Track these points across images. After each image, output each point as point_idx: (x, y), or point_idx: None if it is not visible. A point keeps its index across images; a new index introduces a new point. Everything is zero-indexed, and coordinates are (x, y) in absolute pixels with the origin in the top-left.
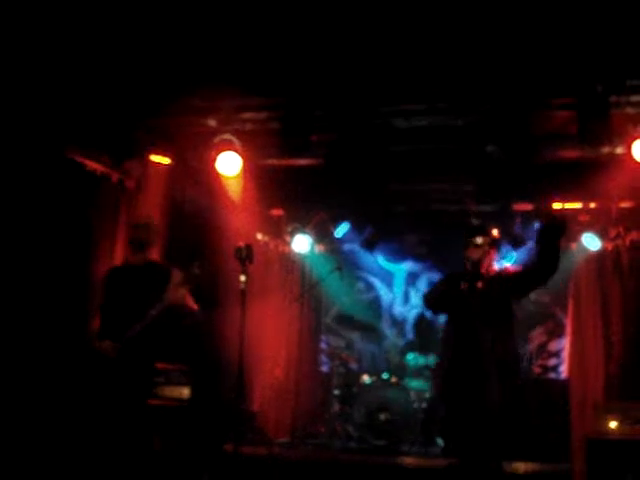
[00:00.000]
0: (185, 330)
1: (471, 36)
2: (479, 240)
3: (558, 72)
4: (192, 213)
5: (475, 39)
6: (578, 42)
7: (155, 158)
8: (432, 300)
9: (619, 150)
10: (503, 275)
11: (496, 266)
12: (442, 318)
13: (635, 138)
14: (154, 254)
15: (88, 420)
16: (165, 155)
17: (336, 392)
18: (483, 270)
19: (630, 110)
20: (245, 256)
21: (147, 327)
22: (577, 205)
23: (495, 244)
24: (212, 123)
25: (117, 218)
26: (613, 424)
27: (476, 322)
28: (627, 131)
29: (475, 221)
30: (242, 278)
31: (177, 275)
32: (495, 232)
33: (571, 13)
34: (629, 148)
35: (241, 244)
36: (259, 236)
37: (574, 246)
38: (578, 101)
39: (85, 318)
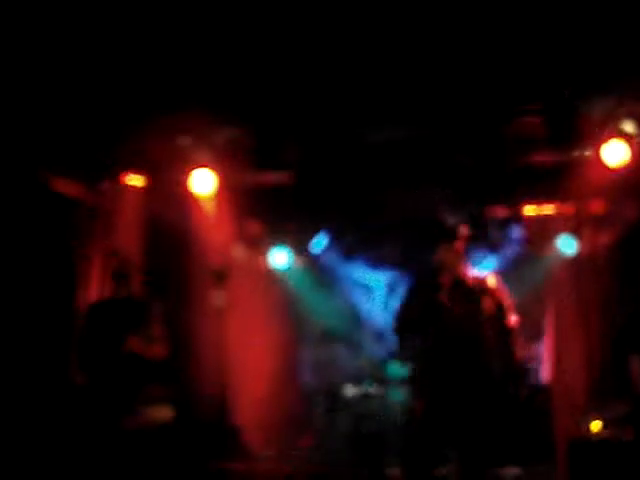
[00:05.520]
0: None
1: (438, 46)
2: (452, 242)
3: (525, 78)
4: (169, 233)
5: (442, 49)
6: (543, 48)
7: (129, 179)
8: (404, 323)
9: (588, 153)
10: (491, 294)
11: (472, 270)
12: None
13: (602, 142)
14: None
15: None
16: (139, 175)
17: (320, 404)
18: (459, 275)
19: (597, 113)
20: (221, 276)
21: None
22: (551, 208)
23: (468, 245)
24: (185, 142)
25: (92, 242)
26: (595, 426)
27: (457, 331)
28: (594, 134)
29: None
30: (219, 298)
31: (156, 310)
32: (466, 232)
33: (535, 20)
34: (597, 151)
35: (218, 263)
36: (237, 252)
37: (550, 250)
38: (546, 106)
39: (64, 349)
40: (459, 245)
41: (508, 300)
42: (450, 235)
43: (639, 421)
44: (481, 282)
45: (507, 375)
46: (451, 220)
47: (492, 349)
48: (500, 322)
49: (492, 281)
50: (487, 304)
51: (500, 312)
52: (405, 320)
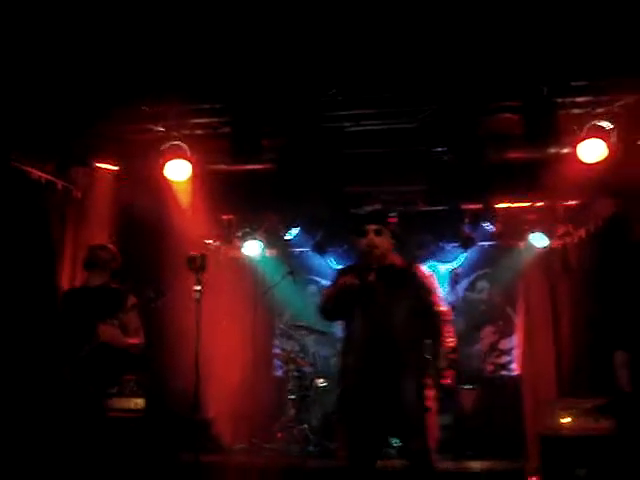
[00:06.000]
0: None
1: (418, 40)
2: (378, 226)
3: (504, 75)
4: (141, 220)
5: (422, 43)
6: (523, 45)
7: (102, 165)
8: (332, 306)
9: (565, 150)
10: (417, 280)
11: (401, 257)
12: None
13: (580, 139)
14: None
15: (45, 436)
16: (112, 162)
17: (291, 396)
18: (388, 259)
19: (575, 111)
20: (199, 265)
21: (95, 350)
22: (525, 204)
23: (395, 230)
24: (160, 129)
25: (64, 227)
26: (565, 420)
27: (385, 315)
28: (572, 131)
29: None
30: (197, 287)
31: (131, 300)
32: (395, 218)
33: (515, 17)
34: (574, 149)
35: (194, 253)
36: (209, 241)
37: (522, 245)
38: (524, 103)
39: (43, 335)
40: (389, 229)
41: (437, 289)
42: (379, 220)
43: (621, 414)
44: (410, 268)
45: (434, 363)
46: (380, 206)
47: (419, 335)
48: (429, 309)
49: (421, 269)
50: (415, 290)
51: (428, 299)
52: (329, 302)
